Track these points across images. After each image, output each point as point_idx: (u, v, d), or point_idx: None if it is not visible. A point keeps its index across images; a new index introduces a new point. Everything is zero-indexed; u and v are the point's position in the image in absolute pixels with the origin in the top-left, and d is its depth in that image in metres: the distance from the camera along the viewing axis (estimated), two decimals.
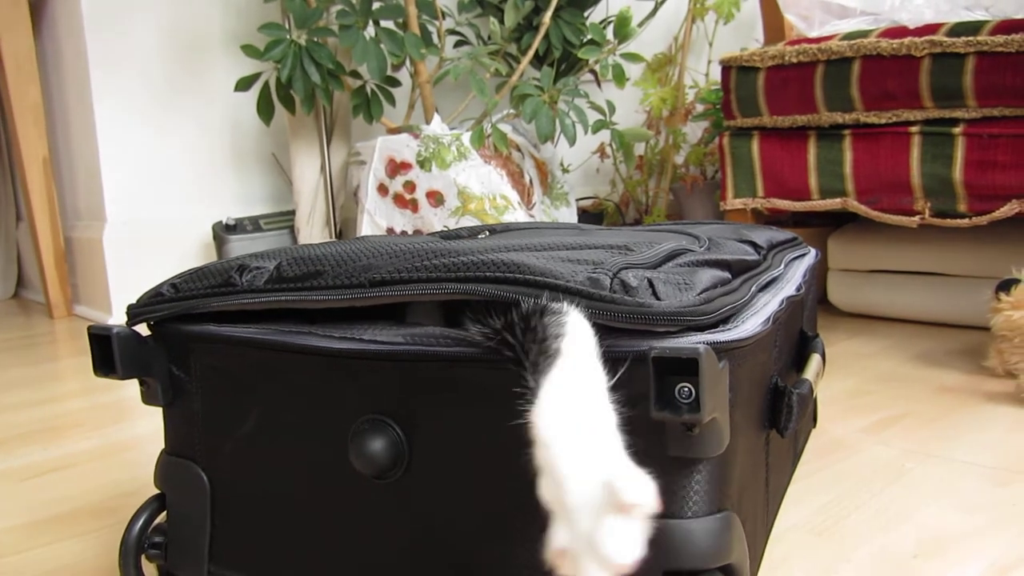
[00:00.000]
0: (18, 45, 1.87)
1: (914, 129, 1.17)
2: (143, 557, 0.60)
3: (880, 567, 0.61)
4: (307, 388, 0.53)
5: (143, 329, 0.59)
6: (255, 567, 0.57)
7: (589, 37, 1.67)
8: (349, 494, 0.52)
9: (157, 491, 0.61)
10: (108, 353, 0.55)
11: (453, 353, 0.47)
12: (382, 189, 1.60)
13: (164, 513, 0.61)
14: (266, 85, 1.69)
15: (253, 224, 1.83)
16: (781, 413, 0.57)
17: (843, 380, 1.06)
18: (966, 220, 1.15)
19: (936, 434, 0.86)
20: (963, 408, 0.93)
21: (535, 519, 0.48)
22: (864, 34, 1.22)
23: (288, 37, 1.58)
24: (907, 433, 0.87)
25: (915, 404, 0.96)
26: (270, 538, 0.56)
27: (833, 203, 1.26)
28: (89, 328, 0.56)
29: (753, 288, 0.56)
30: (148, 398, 0.59)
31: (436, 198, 1.54)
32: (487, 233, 0.73)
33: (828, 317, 1.43)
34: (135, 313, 0.58)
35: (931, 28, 1.16)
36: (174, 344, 0.58)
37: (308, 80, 1.59)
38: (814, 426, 0.89)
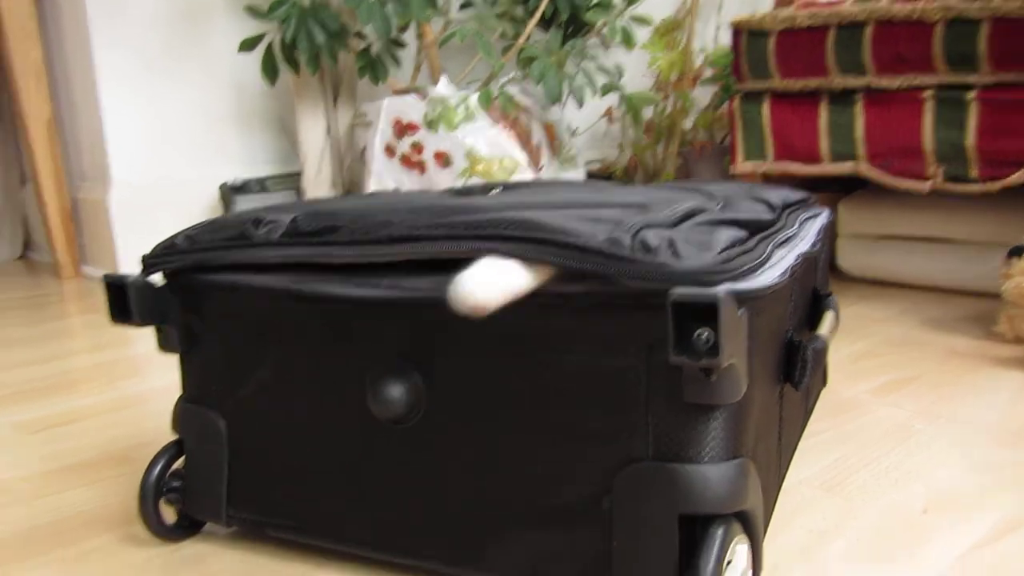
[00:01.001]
0: (19, 5, 1.85)
1: (927, 94, 1.17)
2: (162, 501, 0.60)
3: (889, 521, 0.61)
4: (324, 335, 0.53)
5: (157, 279, 0.59)
6: (273, 511, 0.57)
7: (597, 0, 1.65)
8: (366, 439, 0.53)
9: (174, 438, 0.62)
10: (124, 301, 0.56)
11: None
12: (389, 150, 1.59)
13: (182, 459, 0.61)
14: (270, 46, 1.68)
15: (259, 185, 1.82)
16: (796, 367, 0.58)
17: (853, 343, 1.07)
18: (978, 186, 1.15)
19: (945, 396, 0.86)
20: (972, 372, 0.94)
21: (552, 462, 0.48)
22: None
23: None
24: (916, 395, 0.87)
25: (925, 368, 0.96)
26: (286, 482, 0.56)
27: (844, 167, 1.26)
28: (104, 276, 0.56)
29: (770, 247, 0.56)
30: (164, 345, 0.59)
31: (444, 159, 1.53)
32: (500, 189, 0.72)
33: (838, 283, 1.44)
34: (149, 263, 0.58)
35: None
36: (189, 293, 0.58)
37: (313, 41, 1.58)
38: (825, 385, 0.90)
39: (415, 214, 0.51)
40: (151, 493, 0.60)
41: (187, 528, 0.63)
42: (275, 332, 0.55)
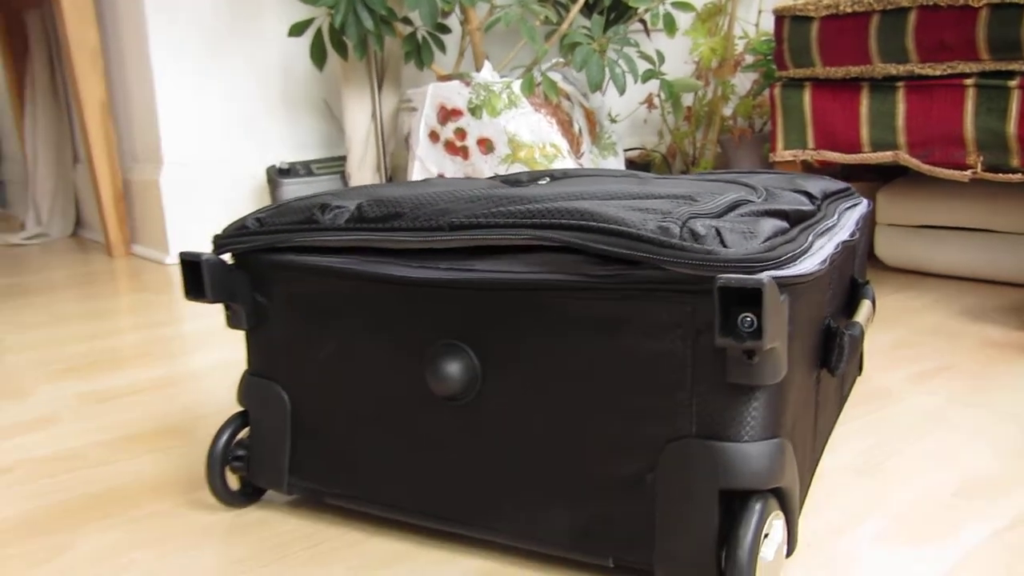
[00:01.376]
0: None
1: (969, 82, 1.17)
2: (227, 469, 0.64)
3: (920, 505, 0.63)
4: (386, 314, 0.56)
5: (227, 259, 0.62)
6: (331, 480, 0.61)
7: None
8: (422, 414, 0.56)
9: (238, 409, 0.65)
10: (198, 278, 0.59)
11: (530, 280, 0.50)
12: (433, 136, 1.62)
13: (247, 429, 0.65)
14: (319, 31, 1.71)
15: (305, 168, 1.86)
16: (833, 352, 0.60)
17: (889, 332, 1.08)
18: (1019, 175, 1.15)
19: (979, 385, 0.88)
20: (1007, 362, 0.95)
21: (599, 438, 0.51)
22: None
23: None
24: (951, 383, 0.89)
25: (960, 357, 0.97)
26: (346, 454, 0.60)
27: (884, 156, 1.26)
28: (181, 254, 0.60)
29: (810, 236, 0.58)
30: (233, 322, 0.63)
31: (486, 145, 1.56)
32: (548, 179, 0.75)
33: (876, 271, 1.45)
34: (220, 244, 0.62)
35: None
36: (258, 272, 0.61)
37: (361, 26, 1.61)
38: (860, 373, 0.92)
39: (473, 203, 0.54)
40: (218, 461, 0.64)
41: (249, 495, 0.67)
42: (338, 311, 0.58)
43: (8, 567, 0.59)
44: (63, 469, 0.76)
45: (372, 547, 0.59)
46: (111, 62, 2.09)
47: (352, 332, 0.58)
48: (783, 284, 0.47)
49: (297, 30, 1.67)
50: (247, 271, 0.62)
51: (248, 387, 0.64)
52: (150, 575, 0.57)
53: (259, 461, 0.63)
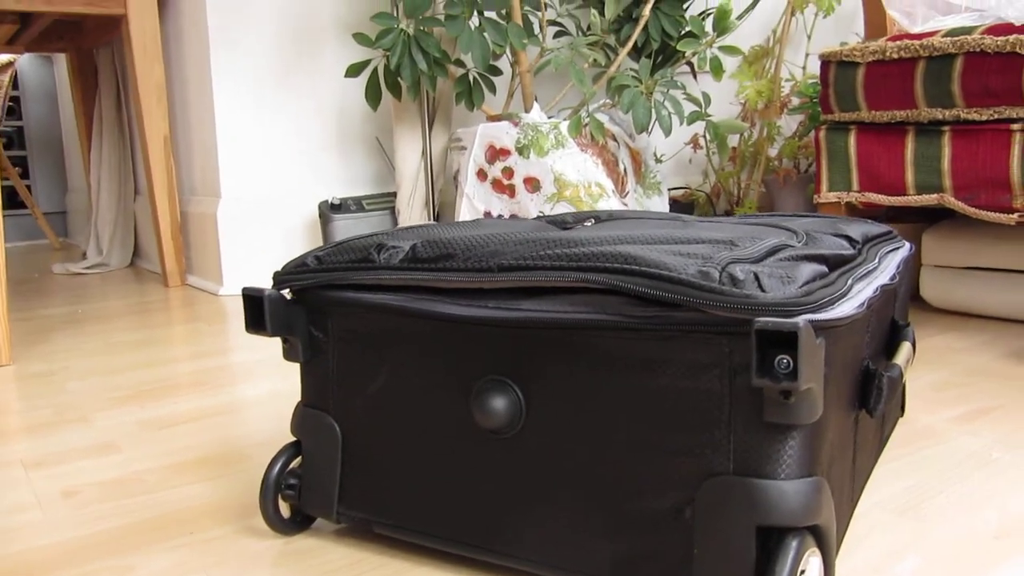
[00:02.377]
0: (145, 27, 1.99)
1: (1015, 127, 1.17)
2: (279, 497, 0.67)
3: (961, 546, 0.64)
4: (435, 350, 0.59)
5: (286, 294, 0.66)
6: (379, 510, 0.63)
7: (688, 29, 1.70)
8: (467, 448, 0.58)
9: (292, 439, 0.68)
10: (259, 312, 0.62)
11: (574, 320, 0.53)
12: (481, 174, 1.66)
13: (299, 458, 0.68)
14: (375, 71, 1.77)
15: (357, 204, 1.91)
16: (871, 394, 0.61)
17: (933, 373, 1.08)
18: None
19: None
20: None
21: (639, 474, 0.53)
22: (968, 31, 1.22)
23: (397, 26, 1.65)
24: (996, 425, 0.89)
25: (1005, 398, 0.97)
26: (394, 485, 0.62)
27: (929, 199, 1.27)
28: (244, 289, 0.63)
29: (849, 281, 0.59)
30: (289, 355, 0.66)
31: (533, 184, 1.59)
32: (592, 221, 0.77)
33: (920, 313, 1.44)
34: (281, 280, 0.65)
35: None
36: (314, 307, 0.64)
37: (415, 68, 1.66)
38: (901, 415, 0.92)
39: (521, 246, 0.56)
40: (272, 489, 0.66)
41: (300, 523, 0.69)
42: (390, 346, 0.61)
43: None
44: (125, 493, 0.79)
45: None
46: (174, 98, 2.17)
47: (402, 366, 0.61)
48: (819, 327, 0.48)
49: (354, 71, 1.73)
50: (305, 306, 0.65)
51: (302, 418, 0.67)
52: None
53: (310, 490, 0.66)
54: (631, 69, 1.63)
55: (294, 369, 1.22)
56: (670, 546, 0.52)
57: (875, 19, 1.53)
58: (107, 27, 2.29)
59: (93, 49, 2.58)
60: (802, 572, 0.49)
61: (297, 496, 0.67)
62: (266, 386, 1.13)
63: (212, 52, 1.89)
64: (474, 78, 1.77)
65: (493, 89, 1.79)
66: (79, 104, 2.66)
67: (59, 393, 1.15)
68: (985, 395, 0.99)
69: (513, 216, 1.64)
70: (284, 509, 0.69)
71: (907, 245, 0.84)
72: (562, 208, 1.57)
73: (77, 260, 2.62)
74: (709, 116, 1.64)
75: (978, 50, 1.18)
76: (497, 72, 1.77)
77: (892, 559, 0.62)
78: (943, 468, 0.78)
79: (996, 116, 1.19)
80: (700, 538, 0.51)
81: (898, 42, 1.27)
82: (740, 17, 1.68)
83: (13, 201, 3.53)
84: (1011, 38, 1.15)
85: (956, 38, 1.20)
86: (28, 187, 3.58)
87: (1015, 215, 1.19)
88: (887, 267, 0.71)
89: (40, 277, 2.39)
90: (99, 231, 2.52)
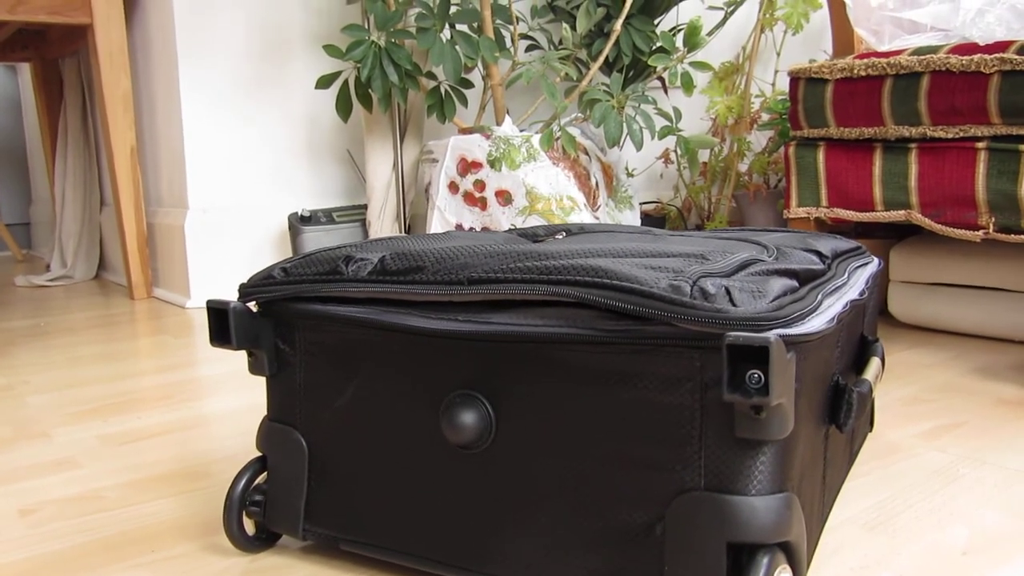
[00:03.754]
0: (111, 36, 1.97)
1: (981, 145, 1.19)
2: (244, 513, 0.65)
3: (929, 561, 0.64)
4: (403, 364, 0.58)
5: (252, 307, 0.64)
6: (346, 527, 0.62)
7: (659, 45, 1.71)
8: (437, 463, 0.57)
9: (257, 454, 0.67)
10: (224, 325, 0.61)
11: (545, 334, 0.52)
12: (453, 187, 1.65)
13: (264, 474, 0.66)
14: (345, 83, 1.76)
15: (327, 216, 1.90)
16: (841, 409, 0.61)
17: (901, 388, 1.09)
18: None
19: (992, 443, 0.88)
20: (1020, 420, 0.95)
21: (609, 489, 0.52)
22: (934, 50, 1.24)
23: (368, 38, 1.64)
24: (963, 441, 0.89)
25: (972, 414, 0.98)
26: (361, 501, 0.61)
27: (897, 215, 1.28)
28: (208, 301, 0.62)
29: (820, 296, 0.59)
30: (255, 368, 0.65)
31: (505, 197, 1.59)
32: (564, 234, 0.77)
33: (888, 328, 1.45)
34: (246, 292, 0.64)
35: (1002, 45, 1.18)
36: (281, 320, 0.63)
37: (387, 80, 1.66)
38: (871, 430, 0.92)
39: (492, 258, 0.56)
40: (236, 505, 0.65)
41: (265, 540, 0.68)
42: (357, 360, 0.60)
43: None
44: (84, 511, 0.77)
45: None
46: (141, 108, 2.15)
47: (370, 381, 0.60)
48: (790, 342, 0.48)
49: (325, 83, 1.72)
50: (271, 319, 0.64)
51: (267, 433, 0.65)
52: None
53: (275, 506, 0.65)
54: (602, 83, 1.63)
55: (260, 383, 1.20)
56: (642, 562, 0.51)
57: (843, 37, 1.55)
58: (72, 37, 2.26)
59: (58, 59, 2.55)
60: None
61: (262, 513, 0.66)
62: (233, 400, 1.12)
63: (180, 62, 1.88)
64: (446, 91, 1.77)
65: (465, 102, 1.79)
66: (43, 114, 2.62)
67: (19, 408, 1.12)
68: (952, 411, 0.99)
69: (485, 229, 1.63)
70: (249, 526, 0.67)
71: (876, 260, 0.84)
72: (534, 221, 1.56)
73: (40, 272, 2.58)
74: (680, 131, 1.65)
75: (944, 69, 1.20)
76: (469, 85, 1.76)
77: (862, 574, 0.62)
78: (912, 484, 0.78)
79: (962, 134, 1.21)
80: (671, 554, 0.50)
81: (865, 60, 1.28)
82: (710, 33, 1.69)
83: None
84: (975, 58, 1.17)
85: (923, 57, 1.22)
86: None
87: (980, 232, 1.20)
88: (856, 282, 0.71)
89: (2, 289, 2.35)
90: (63, 243, 2.48)
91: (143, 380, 1.25)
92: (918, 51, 1.26)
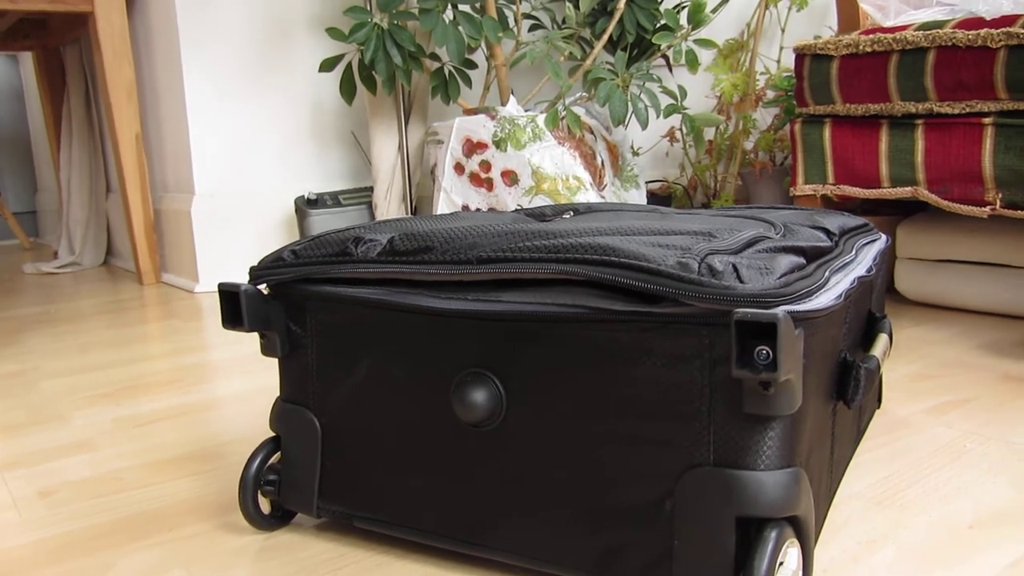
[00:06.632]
0: (113, 25, 1.96)
1: (987, 120, 1.19)
2: (259, 492, 0.66)
3: (936, 535, 0.64)
4: (415, 343, 0.58)
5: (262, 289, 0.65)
6: (360, 504, 0.63)
7: (663, 22, 1.70)
8: (449, 440, 0.58)
9: (271, 435, 0.68)
10: (236, 308, 0.62)
11: (554, 312, 0.53)
12: (458, 168, 1.66)
13: (278, 454, 0.67)
14: (349, 66, 1.76)
15: (333, 199, 1.90)
16: (848, 385, 0.62)
17: (908, 365, 1.09)
18: None
19: (998, 418, 0.89)
20: None
21: (619, 466, 0.53)
22: (940, 24, 1.23)
23: (371, 20, 1.64)
24: (969, 416, 0.90)
25: (978, 390, 0.98)
26: (374, 479, 0.62)
27: (903, 191, 1.28)
28: (219, 285, 0.63)
29: (827, 273, 0.60)
30: (267, 350, 0.65)
31: (510, 177, 1.59)
32: (571, 213, 0.77)
33: (895, 305, 1.46)
34: (257, 275, 0.64)
35: (1008, 19, 1.17)
36: (292, 302, 0.64)
37: (390, 62, 1.65)
38: (878, 407, 0.93)
39: (500, 237, 0.56)
40: (251, 484, 0.66)
41: (280, 518, 0.69)
42: (369, 340, 0.61)
43: None
44: (102, 492, 0.78)
45: (396, 570, 0.61)
46: (145, 95, 2.15)
47: (381, 360, 0.60)
48: (798, 318, 0.49)
49: (328, 65, 1.71)
50: (282, 301, 0.64)
51: (280, 413, 0.66)
52: None
53: (290, 485, 0.66)
54: (607, 62, 1.63)
55: (272, 365, 1.21)
56: (652, 538, 0.52)
57: (848, 13, 1.54)
58: (74, 25, 2.26)
59: (60, 47, 2.55)
60: (781, 563, 0.50)
61: (277, 491, 0.67)
62: (244, 382, 1.13)
63: (182, 47, 1.88)
64: (449, 72, 1.77)
65: (469, 83, 1.79)
66: (47, 103, 2.62)
67: (33, 393, 1.13)
68: (959, 387, 1.00)
69: (491, 209, 1.63)
70: (264, 505, 0.68)
71: (883, 237, 0.85)
72: (540, 201, 1.57)
73: (49, 260, 2.59)
74: (685, 109, 1.65)
75: (950, 44, 1.19)
76: (472, 66, 1.76)
77: (869, 548, 0.62)
78: (918, 459, 0.79)
79: (968, 110, 1.20)
80: (680, 530, 0.51)
81: (871, 36, 1.28)
82: (715, 10, 1.68)
83: None
84: (982, 32, 1.16)
85: (928, 32, 1.21)
86: None
87: (987, 208, 1.20)
88: (864, 259, 0.71)
89: (10, 277, 2.36)
90: (71, 230, 2.49)
91: (155, 364, 1.26)
92: (924, 26, 1.25)
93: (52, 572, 0.64)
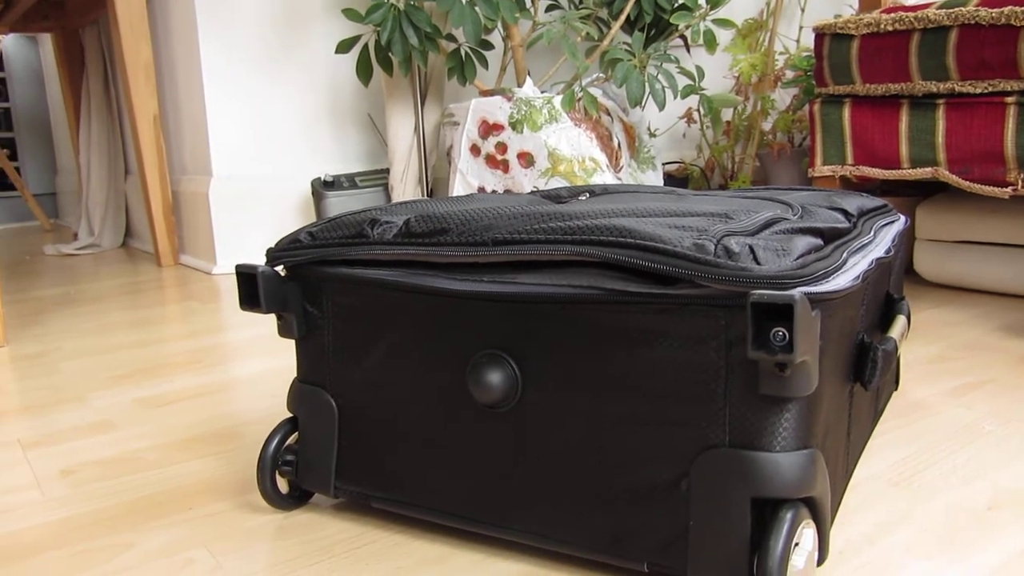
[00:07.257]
0: (131, 5, 1.97)
1: (1010, 100, 1.17)
2: (277, 473, 0.67)
3: (954, 517, 0.64)
4: (431, 325, 0.59)
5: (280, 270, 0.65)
6: (377, 484, 0.63)
7: (681, 2, 1.69)
8: (464, 422, 0.58)
9: (288, 415, 0.68)
10: (253, 289, 0.62)
11: (570, 294, 0.53)
12: (474, 149, 1.65)
13: (296, 434, 0.68)
14: (365, 47, 1.75)
15: (349, 181, 1.90)
16: (866, 367, 0.61)
17: (927, 346, 1.08)
18: None
19: (1017, 400, 0.88)
20: None
21: (635, 446, 0.53)
22: (963, 2, 1.22)
23: (388, 1, 1.63)
24: (988, 398, 0.89)
25: (998, 372, 0.98)
26: (391, 459, 0.62)
27: (924, 172, 1.27)
28: (237, 266, 0.63)
29: (844, 254, 0.59)
30: (284, 331, 0.66)
31: (527, 159, 1.59)
32: (587, 195, 0.77)
33: (914, 287, 1.44)
34: (274, 256, 0.65)
35: None
36: (309, 284, 0.64)
37: (406, 43, 1.65)
38: (896, 388, 0.92)
39: (516, 219, 0.56)
40: (269, 465, 0.66)
41: (297, 498, 0.69)
42: (385, 321, 0.61)
43: (75, 564, 0.63)
44: (122, 471, 0.79)
45: (413, 549, 0.62)
46: (163, 77, 2.16)
47: (398, 341, 0.61)
48: (814, 300, 0.48)
49: (344, 47, 1.71)
50: (299, 283, 0.65)
51: (298, 394, 0.67)
52: (206, 574, 0.60)
53: (307, 465, 0.66)
54: (624, 43, 1.62)
55: (289, 346, 1.22)
56: (667, 518, 0.52)
57: None
58: (92, 6, 2.26)
59: (79, 28, 2.56)
60: (796, 544, 0.50)
61: (294, 472, 0.67)
62: (261, 363, 1.13)
63: (200, 29, 1.88)
64: (466, 53, 1.76)
65: (485, 64, 1.78)
66: (66, 84, 2.64)
67: (53, 373, 1.14)
68: (978, 368, 0.99)
69: (507, 191, 1.63)
70: (282, 485, 0.69)
71: (902, 218, 0.84)
72: (556, 183, 1.56)
73: (68, 241, 2.61)
74: (703, 90, 1.64)
75: (973, 22, 1.18)
76: (489, 47, 1.75)
77: (886, 530, 0.62)
78: (937, 440, 0.79)
79: (991, 89, 1.19)
80: (696, 510, 0.51)
81: (893, 14, 1.26)
82: None
83: (2, 183, 3.51)
84: (1006, 10, 1.15)
85: (951, 10, 1.20)
86: (17, 169, 3.56)
87: (1009, 189, 1.19)
88: (882, 240, 0.71)
89: (31, 259, 2.38)
90: (90, 212, 2.51)
91: (173, 345, 1.27)
92: (946, 4, 1.24)
93: (75, 550, 0.65)
